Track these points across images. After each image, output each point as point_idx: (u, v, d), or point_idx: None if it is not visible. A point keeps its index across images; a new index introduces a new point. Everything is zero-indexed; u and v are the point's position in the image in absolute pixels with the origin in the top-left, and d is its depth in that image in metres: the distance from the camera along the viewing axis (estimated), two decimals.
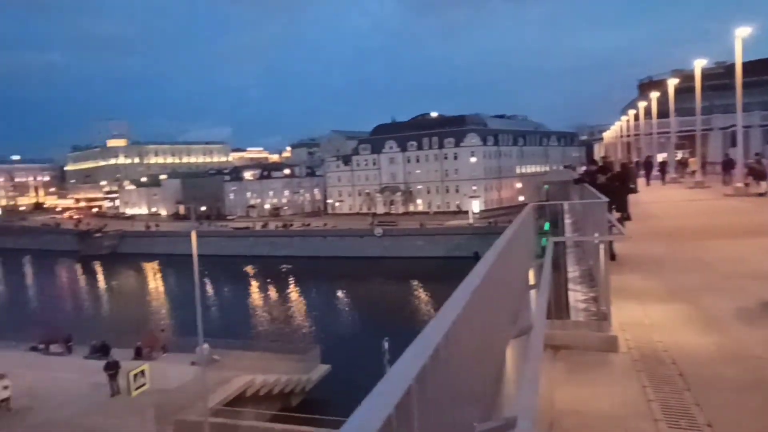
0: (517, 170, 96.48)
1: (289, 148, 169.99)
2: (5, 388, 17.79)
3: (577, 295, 7.56)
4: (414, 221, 79.10)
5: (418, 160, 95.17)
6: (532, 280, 7.19)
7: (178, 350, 25.03)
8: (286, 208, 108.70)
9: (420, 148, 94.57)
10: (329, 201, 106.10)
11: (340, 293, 55.15)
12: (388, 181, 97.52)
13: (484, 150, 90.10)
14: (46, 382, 20.46)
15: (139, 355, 23.77)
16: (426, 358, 1.74)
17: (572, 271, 9.19)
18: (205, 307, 14.67)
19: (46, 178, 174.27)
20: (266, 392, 20.92)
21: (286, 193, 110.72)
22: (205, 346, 15.81)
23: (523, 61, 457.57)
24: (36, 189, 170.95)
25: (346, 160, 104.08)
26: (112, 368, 17.65)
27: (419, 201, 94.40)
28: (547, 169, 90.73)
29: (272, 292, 58.26)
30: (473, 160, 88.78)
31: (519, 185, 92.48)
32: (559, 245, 9.24)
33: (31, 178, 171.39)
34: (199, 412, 15.41)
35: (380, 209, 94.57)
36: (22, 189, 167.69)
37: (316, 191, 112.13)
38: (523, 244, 6.78)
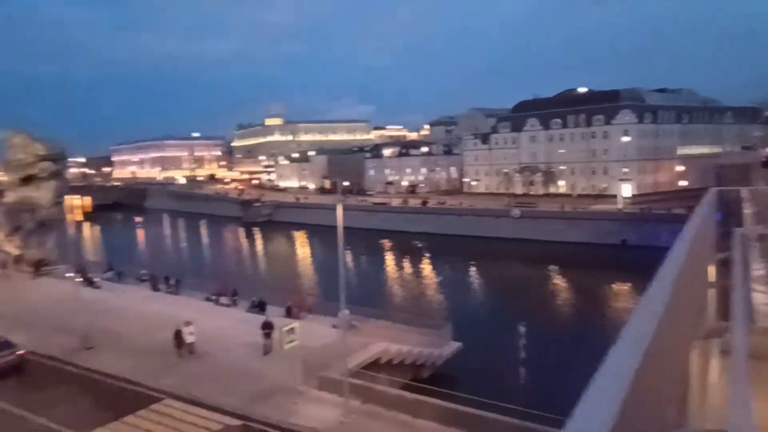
0: (679, 151, 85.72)
1: (427, 126, 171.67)
2: (191, 334, 20.34)
3: (762, 297, 6.55)
4: (554, 203, 75.07)
5: (561, 139, 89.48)
6: (711, 277, 6.45)
7: (321, 313, 27.54)
8: (422, 185, 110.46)
9: (565, 126, 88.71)
10: (465, 180, 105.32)
11: (473, 273, 55.07)
12: (528, 161, 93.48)
13: (639, 128, 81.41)
14: (217, 329, 24.06)
15: (289, 313, 26.65)
16: (639, 359, 1.72)
17: (758, 269, 7.93)
18: (346, 275, 16.14)
19: (218, 153, 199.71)
20: (399, 361, 22.13)
21: (423, 170, 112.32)
22: (346, 311, 17.19)
23: (692, 26, 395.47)
24: (210, 162, 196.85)
25: (485, 138, 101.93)
26: (268, 328, 19.93)
27: (561, 183, 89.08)
28: (720, 150, 79.17)
29: (406, 267, 60.24)
30: (626, 139, 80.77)
31: (680, 168, 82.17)
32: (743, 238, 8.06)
33: (207, 153, 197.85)
34: (339, 371, 16.99)
35: (518, 190, 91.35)
36: (200, 162, 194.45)
37: (452, 170, 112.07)
38: (702, 237, 6.03)
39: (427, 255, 64.70)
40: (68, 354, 21.23)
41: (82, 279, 31.45)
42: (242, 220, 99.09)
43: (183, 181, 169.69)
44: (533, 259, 57.28)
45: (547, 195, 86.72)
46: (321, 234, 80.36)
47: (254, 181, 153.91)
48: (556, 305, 41.69)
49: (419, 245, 69.66)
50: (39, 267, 37.52)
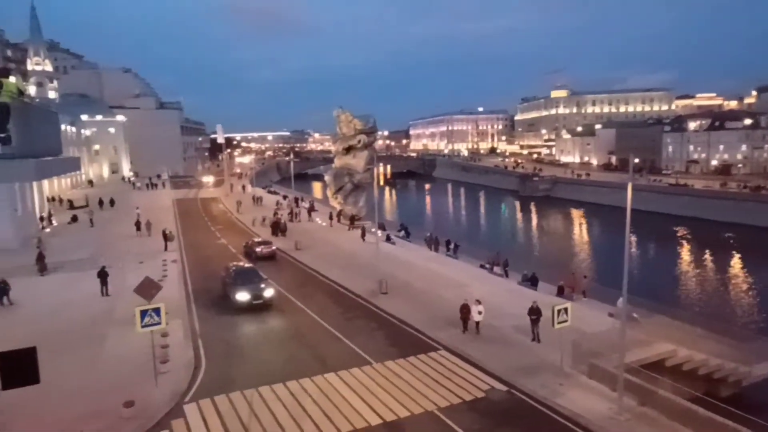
0: None
1: (754, 93, 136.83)
2: (480, 313, 20.23)
3: None
4: None
5: None
6: None
7: (595, 298, 25.89)
8: (740, 165, 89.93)
9: None
10: None
11: None
12: None
13: None
14: (488, 295, 25.29)
15: (560, 293, 25.96)
16: None
17: None
18: (629, 262, 14.58)
19: (500, 127, 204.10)
20: (689, 369, 19.21)
21: (743, 147, 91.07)
22: (626, 301, 15.79)
23: None
24: (492, 136, 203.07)
25: None
26: (536, 314, 19.56)
27: None
28: None
29: (707, 261, 50.84)
30: None
31: None
32: None
33: (489, 126, 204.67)
34: (613, 363, 15.85)
35: None
36: (482, 135, 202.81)
37: None
38: None
39: (739, 251, 53.01)
40: (369, 295, 25.70)
41: (381, 234, 37.21)
42: (519, 194, 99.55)
43: (465, 153, 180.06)
44: None
45: None
46: (602, 214, 74.42)
47: (534, 156, 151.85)
48: None
49: (728, 238, 57.54)
50: (353, 221, 46.03)
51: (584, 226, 74.36)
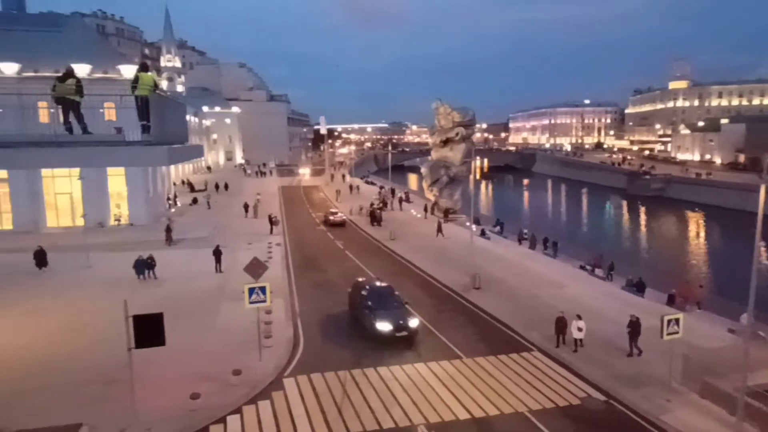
0: None
1: None
2: (579, 330, 18.21)
3: None
4: None
5: None
6: None
7: (713, 310, 23.58)
8: None
9: None
10: None
11: None
12: None
13: None
14: (588, 298, 24.02)
15: (671, 302, 23.95)
16: None
17: None
18: (749, 273, 12.87)
19: (608, 120, 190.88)
20: None
21: None
22: (750, 317, 14.21)
23: None
24: (599, 130, 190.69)
25: None
26: (633, 327, 17.98)
27: None
28: None
29: None
30: None
31: None
32: None
33: (596, 120, 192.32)
34: (732, 384, 14.37)
35: None
36: (588, 129, 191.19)
37: None
38: None
39: None
40: (462, 288, 25.56)
41: (476, 229, 36.71)
42: (626, 192, 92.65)
43: (568, 148, 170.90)
44: None
45: None
46: (724, 219, 67.09)
47: (645, 152, 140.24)
48: None
49: None
50: (447, 213, 45.90)
51: (702, 231, 67.52)
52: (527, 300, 23.92)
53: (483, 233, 39.01)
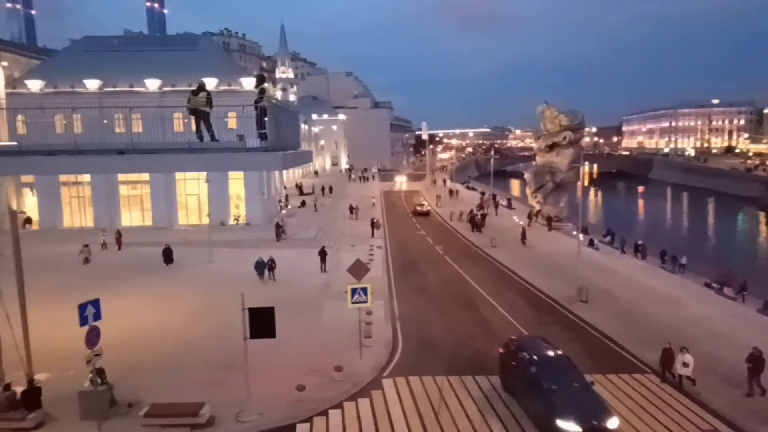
0: None
1: None
2: (686, 365, 15.79)
3: None
4: None
5: None
6: None
7: None
8: None
9: None
10: None
11: None
12: None
13: None
14: (714, 320, 21.64)
15: None
16: None
17: None
18: None
19: (741, 122, 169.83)
20: None
21: None
22: None
23: None
24: (730, 132, 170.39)
25: None
26: (755, 363, 15.56)
27: None
28: None
29: None
30: None
31: None
32: None
33: (726, 122, 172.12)
34: None
35: None
36: (716, 132, 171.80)
37: None
38: None
39: None
40: (567, 301, 24.32)
41: (584, 238, 34.71)
42: (762, 202, 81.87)
43: (691, 152, 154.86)
44: None
45: None
46: None
47: None
48: None
49: None
50: (551, 221, 43.92)
51: None
52: (641, 317, 22.11)
53: (591, 243, 36.77)
